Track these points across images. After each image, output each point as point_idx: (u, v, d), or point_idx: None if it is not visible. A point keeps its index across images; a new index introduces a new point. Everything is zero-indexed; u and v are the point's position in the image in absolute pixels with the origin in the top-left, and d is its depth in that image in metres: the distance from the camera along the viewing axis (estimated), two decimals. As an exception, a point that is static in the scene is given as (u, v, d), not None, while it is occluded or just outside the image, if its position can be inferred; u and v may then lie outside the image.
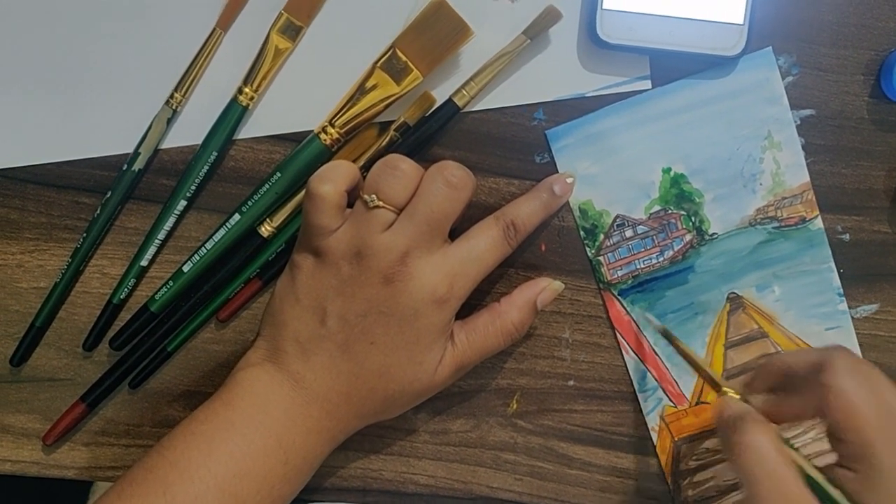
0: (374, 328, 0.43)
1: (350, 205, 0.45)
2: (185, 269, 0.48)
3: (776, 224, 0.49)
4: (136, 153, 0.48)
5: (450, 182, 0.43)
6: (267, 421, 0.43)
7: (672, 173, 0.49)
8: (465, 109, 0.47)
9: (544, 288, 0.47)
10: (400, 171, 0.43)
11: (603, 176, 0.49)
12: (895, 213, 0.49)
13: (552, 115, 0.48)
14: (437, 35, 0.46)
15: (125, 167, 0.48)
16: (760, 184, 0.49)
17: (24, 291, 0.50)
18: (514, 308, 0.46)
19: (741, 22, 0.46)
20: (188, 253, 0.49)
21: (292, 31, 0.47)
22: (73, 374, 0.50)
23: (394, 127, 0.47)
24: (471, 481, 0.51)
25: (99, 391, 0.50)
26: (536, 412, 0.51)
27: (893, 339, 0.50)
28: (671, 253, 0.49)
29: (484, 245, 0.45)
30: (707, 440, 0.51)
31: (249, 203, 0.48)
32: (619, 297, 0.50)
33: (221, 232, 0.48)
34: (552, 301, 0.47)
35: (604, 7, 0.46)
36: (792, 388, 0.42)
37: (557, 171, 0.48)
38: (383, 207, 0.43)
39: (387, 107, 0.47)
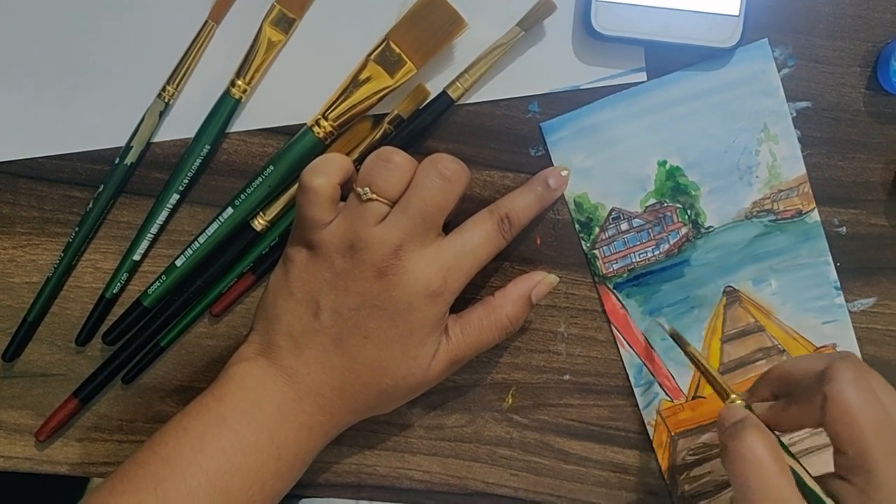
0: (367, 322, 0.43)
1: (344, 198, 0.44)
2: (178, 263, 0.48)
3: (772, 217, 0.49)
4: (129, 147, 0.48)
5: (443, 175, 0.43)
6: (259, 416, 0.43)
7: (668, 166, 0.48)
8: (460, 102, 0.47)
9: (539, 282, 0.47)
10: (393, 163, 0.43)
11: (598, 169, 0.48)
12: (892, 205, 0.49)
13: (547, 107, 0.48)
14: (430, 27, 0.46)
15: (117, 161, 0.48)
16: (756, 176, 0.48)
17: (17, 286, 0.50)
18: (508, 302, 0.46)
19: (737, 13, 0.46)
20: (181, 247, 0.48)
21: (285, 24, 0.47)
22: (66, 370, 0.50)
23: (387, 120, 0.47)
24: (466, 476, 0.51)
25: (92, 386, 0.49)
26: (532, 407, 0.50)
27: (891, 332, 0.50)
28: (667, 246, 0.49)
29: (478, 238, 0.44)
30: (704, 434, 0.50)
31: (242, 197, 0.47)
32: (614, 291, 0.49)
33: (214, 226, 0.48)
34: (547, 295, 0.47)
35: (599, -2, 0.46)
36: (797, 395, 0.41)
37: (552, 164, 0.48)
38: (377, 200, 0.43)
39: (380, 99, 0.47)
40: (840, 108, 0.48)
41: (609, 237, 0.49)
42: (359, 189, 0.43)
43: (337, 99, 0.47)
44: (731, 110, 0.48)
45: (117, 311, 0.49)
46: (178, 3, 0.47)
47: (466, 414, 0.50)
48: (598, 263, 0.49)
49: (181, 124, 0.48)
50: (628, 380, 0.50)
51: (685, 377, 0.50)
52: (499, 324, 0.46)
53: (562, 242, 0.49)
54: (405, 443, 0.51)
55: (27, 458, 0.51)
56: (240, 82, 0.47)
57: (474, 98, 0.48)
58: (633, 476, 0.51)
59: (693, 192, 0.48)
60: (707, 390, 0.50)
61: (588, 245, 0.49)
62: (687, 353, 0.46)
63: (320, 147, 0.47)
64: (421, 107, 0.47)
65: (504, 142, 0.48)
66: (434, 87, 0.47)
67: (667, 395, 0.50)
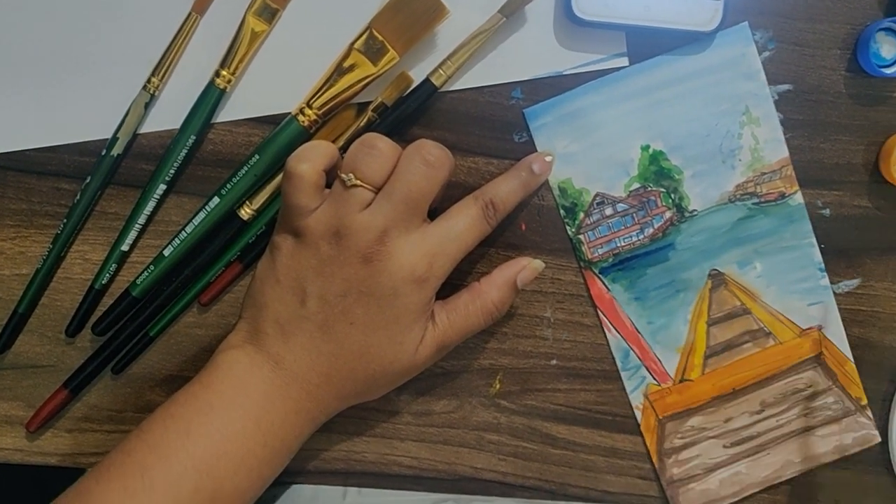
0: (353, 308, 0.43)
1: (329, 185, 0.45)
2: (166, 253, 0.48)
3: (756, 200, 0.49)
4: (115, 138, 0.48)
5: (427, 161, 0.43)
6: (246, 403, 0.43)
7: (651, 150, 0.48)
8: (443, 89, 0.47)
9: (524, 267, 0.47)
10: (377, 149, 0.43)
11: (582, 154, 0.48)
12: (875, 187, 0.49)
13: (530, 93, 0.48)
14: (412, 14, 0.46)
15: (104, 152, 0.48)
16: (739, 159, 0.49)
17: (6, 278, 0.50)
18: (493, 287, 0.46)
19: (717, -3, 0.46)
20: (169, 237, 0.49)
21: (268, 14, 0.47)
22: (56, 361, 0.50)
23: (371, 107, 0.47)
24: (454, 462, 0.51)
25: (82, 377, 0.50)
26: (519, 392, 0.51)
27: (876, 313, 0.50)
28: (651, 230, 0.49)
29: (463, 224, 0.45)
30: (692, 418, 0.51)
31: (229, 186, 0.48)
32: (600, 276, 0.50)
33: (201, 215, 0.48)
34: (532, 280, 0.47)
35: (579, -16, 0.46)
36: None
37: (536, 150, 0.48)
38: (361, 186, 0.43)
39: (364, 87, 0.47)
40: (821, 90, 0.48)
41: (594, 222, 0.49)
42: (343, 175, 0.43)
43: (321, 87, 0.47)
44: (712, 94, 0.48)
45: (106, 301, 0.50)
46: (161, -6, 0.48)
47: (454, 400, 0.51)
48: (583, 248, 0.49)
49: (167, 115, 0.48)
50: (615, 364, 0.50)
51: (672, 361, 0.50)
52: (485, 309, 0.46)
53: (547, 228, 0.49)
54: (393, 429, 0.51)
55: (18, 449, 0.51)
56: (224, 73, 0.47)
57: (458, 85, 0.48)
58: (622, 460, 0.51)
59: (676, 176, 0.49)
60: (694, 374, 0.50)
61: (573, 230, 0.49)
62: None
63: (305, 135, 0.47)
64: (405, 94, 0.47)
65: (488, 128, 0.48)
66: (417, 75, 0.47)
67: (654, 378, 0.50)
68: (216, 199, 0.48)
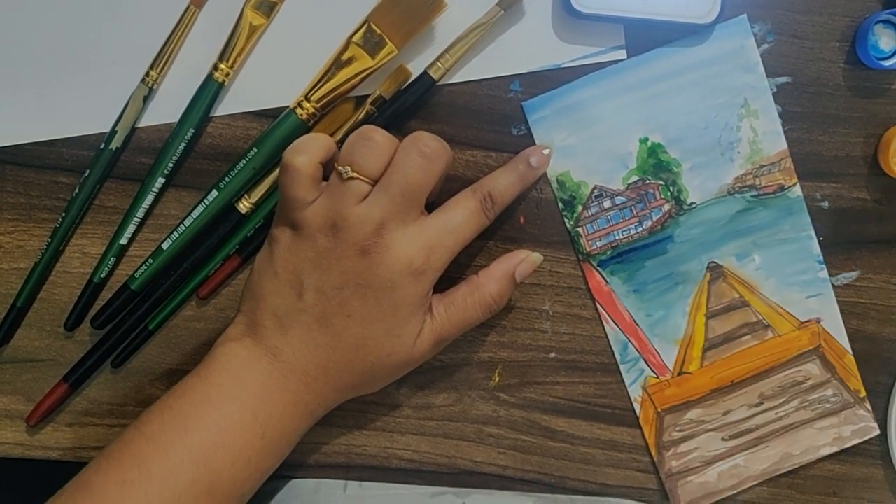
0: (351, 301, 0.43)
1: (327, 178, 0.45)
2: (165, 246, 0.49)
3: (755, 192, 0.49)
4: (114, 131, 0.48)
5: (424, 153, 0.43)
6: (243, 395, 0.43)
7: (649, 143, 0.48)
8: (441, 82, 0.47)
9: (523, 260, 0.47)
10: (374, 142, 0.43)
11: (580, 147, 0.48)
12: (874, 179, 0.49)
13: (528, 86, 0.48)
14: (410, 7, 0.46)
15: (103, 146, 0.48)
16: (738, 152, 0.49)
17: (5, 272, 0.50)
18: (492, 280, 0.46)
19: (715, -11, 0.46)
20: (167, 231, 0.49)
21: (266, 7, 0.47)
22: (56, 355, 0.50)
23: (370, 101, 0.47)
24: (454, 455, 0.51)
25: (81, 371, 0.50)
26: (518, 385, 0.51)
27: (874, 305, 0.50)
28: (650, 223, 0.49)
29: (461, 217, 0.45)
30: (690, 410, 0.51)
31: (227, 179, 0.48)
32: (598, 269, 0.50)
33: (200, 209, 0.48)
34: (531, 273, 0.47)
35: (577, -24, 0.46)
36: None
37: (534, 143, 0.48)
38: (358, 178, 0.43)
39: (362, 80, 0.47)
40: (820, 82, 0.48)
41: (592, 215, 0.49)
42: (340, 168, 0.43)
43: (319, 81, 0.47)
44: (711, 86, 0.48)
45: (105, 295, 0.50)
46: (159, -13, 0.48)
47: (453, 393, 0.51)
48: (581, 241, 0.49)
49: (165, 109, 0.49)
50: (614, 357, 0.50)
51: (671, 354, 0.50)
52: (483, 302, 0.46)
53: (545, 221, 0.49)
54: (393, 423, 0.51)
55: (18, 443, 0.51)
56: (223, 66, 0.47)
57: (456, 78, 0.48)
58: (620, 453, 0.51)
59: (675, 169, 0.49)
60: (693, 366, 0.50)
61: (571, 223, 0.49)
62: None
63: (303, 128, 0.47)
64: (403, 87, 0.47)
65: (486, 121, 0.48)
66: (415, 68, 0.47)
67: (652, 371, 0.50)
68: (214, 193, 0.48)
